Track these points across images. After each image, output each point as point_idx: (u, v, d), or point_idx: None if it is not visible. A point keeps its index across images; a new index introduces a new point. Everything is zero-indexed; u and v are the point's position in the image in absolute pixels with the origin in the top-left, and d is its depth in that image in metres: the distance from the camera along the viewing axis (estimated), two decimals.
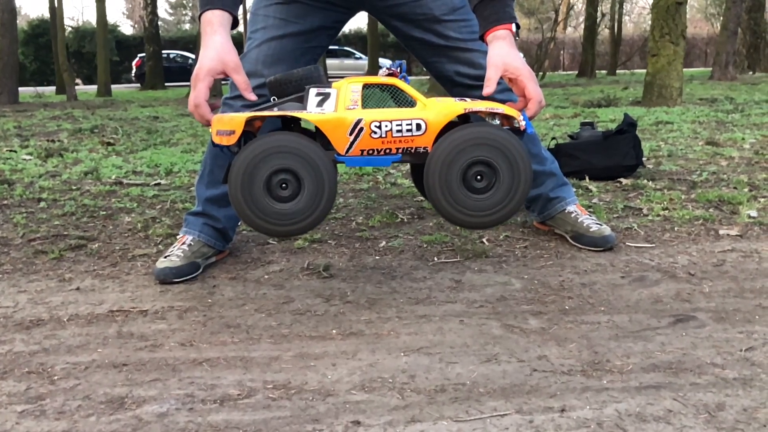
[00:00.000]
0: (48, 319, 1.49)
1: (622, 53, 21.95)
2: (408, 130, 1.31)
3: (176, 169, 3.31)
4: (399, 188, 2.72)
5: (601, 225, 1.89)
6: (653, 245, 1.90)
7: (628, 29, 32.70)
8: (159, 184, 2.94)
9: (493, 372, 1.20)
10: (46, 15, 21.86)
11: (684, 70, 6.66)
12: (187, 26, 41.77)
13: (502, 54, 1.45)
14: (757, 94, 7.31)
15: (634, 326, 1.38)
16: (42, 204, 2.54)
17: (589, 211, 2.03)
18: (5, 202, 2.59)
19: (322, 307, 1.52)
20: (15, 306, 1.56)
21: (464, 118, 1.41)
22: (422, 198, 1.76)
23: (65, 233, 2.14)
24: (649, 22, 7.46)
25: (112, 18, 55.35)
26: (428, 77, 11.27)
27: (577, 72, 19.25)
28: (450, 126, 1.35)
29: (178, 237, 1.84)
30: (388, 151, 1.33)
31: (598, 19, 18.91)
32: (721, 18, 12.41)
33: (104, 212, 2.40)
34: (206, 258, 1.79)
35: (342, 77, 1.47)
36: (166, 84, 18.50)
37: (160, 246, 1.99)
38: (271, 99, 1.39)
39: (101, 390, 1.17)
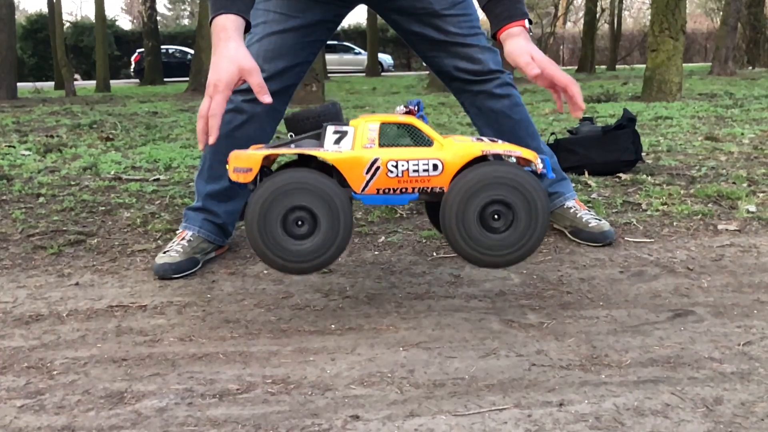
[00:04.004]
0: (47, 314, 1.49)
1: (621, 48, 21.92)
2: (425, 170, 1.30)
3: (175, 164, 3.31)
4: None
5: (600, 220, 1.89)
6: (652, 240, 1.90)
7: (628, 24, 32.66)
8: (158, 179, 2.94)
9: (492, 366, 1.20)
10: (45, 10, 21.79)
11: (683, 65, 6.66)
12: (186, 21, 41.70)
13: (523, 45, 1.44)
14: (756, 90, 7.31)
15: (633, 321, 1.38)
16: (41, 199, 2.54)
17: (588, 207, 2.04)
18: (4, 197, 2.59)
19: (321, 302, 1.52)
20: (14, 301, 1.57)
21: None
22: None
23: (64, 229, 2.14)
24: (649, 17, 7.45)
25: (110, 13, 55.16)
26: (427, 72, 11.26)
27: (576, 67, 19.20)
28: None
29: (177, 232, 1.84)
30: (404, 190, 1.31)
31: (597, 14, 18.89)
32: (721, 13, 12.41)
33: (103, 208, 2.40)
34: (206, 253, 1.79)
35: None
36: (165, 79, 18.46)
37: (159, 241, 1.99)
38: (289, 135, 1.38)
39: (101, 385, 1.17)
